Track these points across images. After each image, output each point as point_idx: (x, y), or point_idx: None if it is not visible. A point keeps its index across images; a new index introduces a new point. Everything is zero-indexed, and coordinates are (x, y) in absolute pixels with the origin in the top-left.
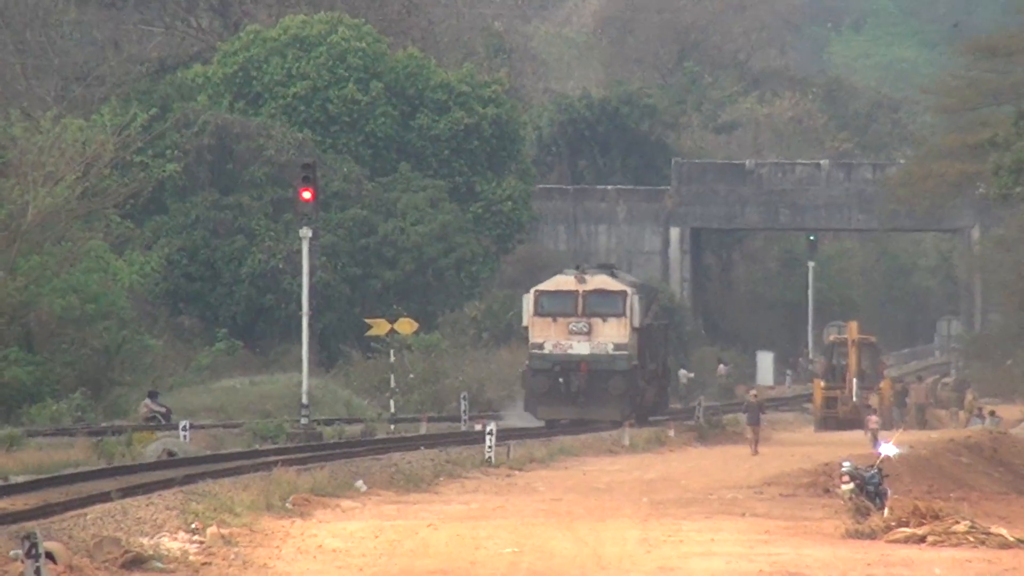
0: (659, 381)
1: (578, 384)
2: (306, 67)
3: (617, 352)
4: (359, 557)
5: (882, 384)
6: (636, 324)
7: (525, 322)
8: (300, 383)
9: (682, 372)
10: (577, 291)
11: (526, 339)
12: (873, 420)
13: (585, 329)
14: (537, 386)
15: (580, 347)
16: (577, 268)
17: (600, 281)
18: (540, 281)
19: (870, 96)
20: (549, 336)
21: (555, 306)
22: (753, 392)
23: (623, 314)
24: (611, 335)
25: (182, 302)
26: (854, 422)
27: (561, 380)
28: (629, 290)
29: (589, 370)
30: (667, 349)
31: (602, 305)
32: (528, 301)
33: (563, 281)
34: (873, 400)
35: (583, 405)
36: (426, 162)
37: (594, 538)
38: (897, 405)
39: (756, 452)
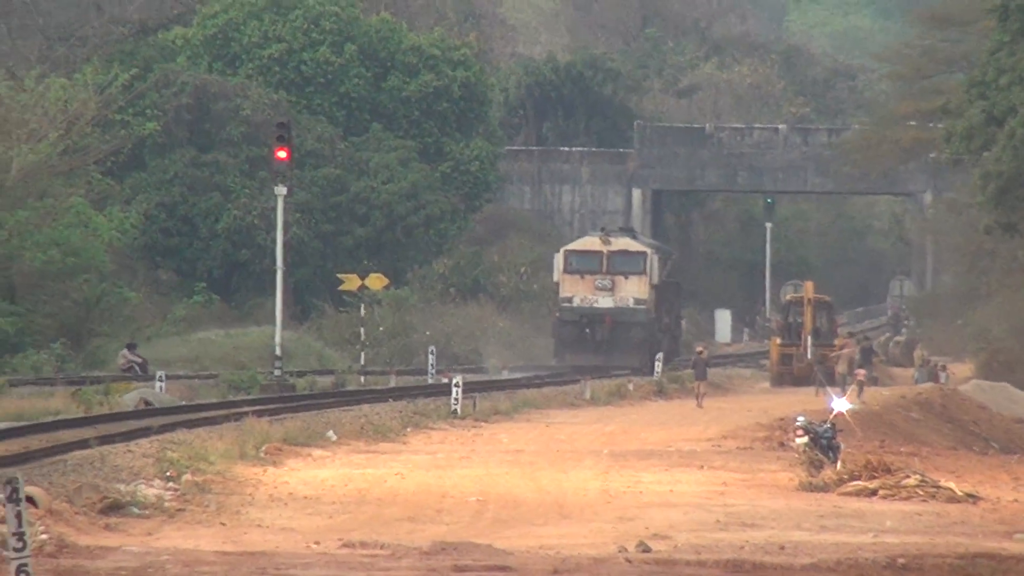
0: (672, 332)
1: (602, 334)
2: (282, 30)
3: (637, 306)
4: (329, 504)
5: (836, 341)
6: (654, 281)
7: (556, 278)
8: (274, 335)
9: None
10: (602, 251)
11: (557, 292)
12: (861, 373)
13: (609, 285)
14: (566, 335)
15: (604, 301)
16: (603, 231)
17: (623, 243)
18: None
19: (827, 63)
20: (577, 291)
21: (583, 264)
22: (700, 348)
23: (643, 272)
24: (632, 291)
25: (160, 256)
26: (809, 378)
27: (587, 331)
28: (649, 251)
29: (612, 322)
30: (679, 304)
31: (625, 264)
32: (559, 259)
33: (590, 242)
34: (848, 353)
35: (606, 353)
36: (397, 123)
37: (556, 488)
38: (865, 362)
39: (702, 405)
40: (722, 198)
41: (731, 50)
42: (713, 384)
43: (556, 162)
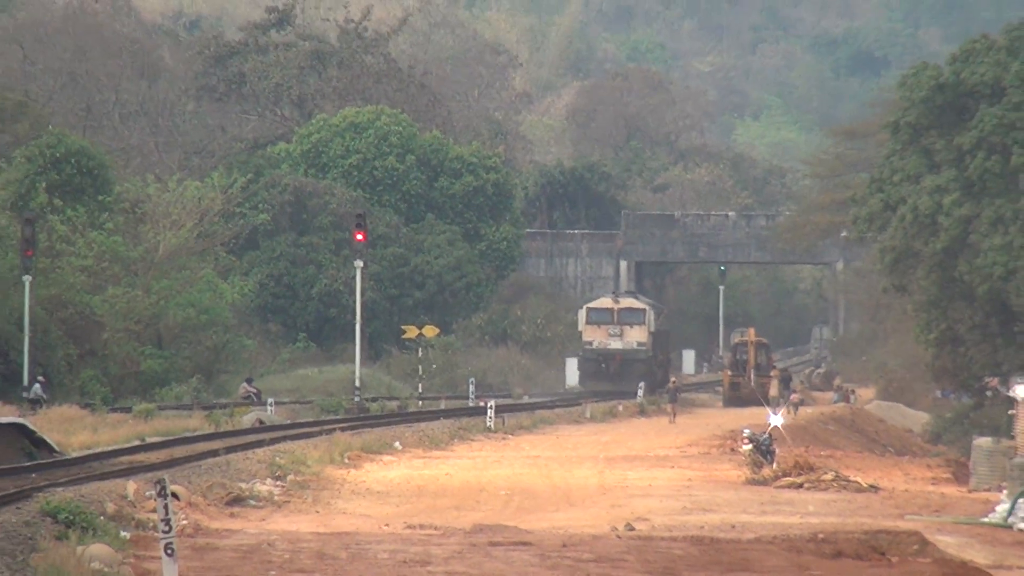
0: (664, 367)
1: (614, 368)
2: (359, 145)
3: (639, 347)
4: (396, 497)
5: (772, 372)
6: (652, 329)
7: (579, 327)
8: (354, 371)
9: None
10: (614, 308)
11: (580, 338)
12: (795, 396)
13: (619, 333)
14: (588, 369)
15: (615, 344)
16: (613, 293)
17: (629, 302)
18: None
19: (764, 166)
20: (596, 337)
21: (599, 318)
22: (673, 380)
23: (643, 323)
24: (635, 337)
25: (270, 314)
26: (753, 401)
27: (603, 365)
28: (647, 307)
29: (621, 359)
30: (668, 346)
31: (630, 317)
32: (582, 314)
33: (604, 301)
34: (776, 381)
35: (617, 381)
36: (445, 213)
37: (564, 483)
38: (784, 388)
39: (674, 422)
40: (687, 267)
41: (693, 157)
42: (681, 406)
43: (563, 241)
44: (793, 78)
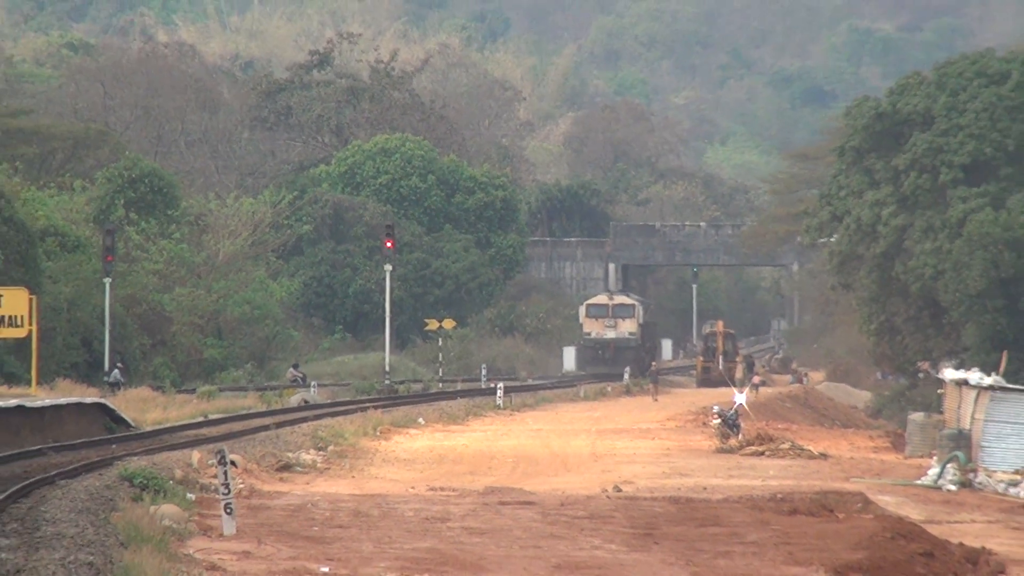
0: (651, 353)
1: (609, 355)
2: (388, 166)
3: (630, 337)
4: (421, 464)
5: (737, 358)
6: (641, 321)
7: (580, 320)
8: (384, 358)
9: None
10: (608, 304)
11: (581, 329)
12: (757, 378)
13: (613, 324)
14: (586, 356)
15: (610, 334)
16: (608, 291)
17: (621, 298)
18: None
19: (731, 183)
20: (593, 328)
21: (597, 312)
22: (654, 364)
23: (634, 316)
24: (627, 328)
25: (313, 309)
26: (722, 382)
27: (599, 352)
28: (637, 303)
29: (615, 347)
30: (655, 335)
31: (622, 311)
32: (582, 309)
33: (601, 298)
34: (741, 365)
35: (611, 365)
36: (461, 225)
37: (562, 452)
38: (747, 371)
39: (656, 400)
40: (665, 269)
41: (670, 176)
42: (661, 386)
43: (561, 248)
44: (755, 109)
